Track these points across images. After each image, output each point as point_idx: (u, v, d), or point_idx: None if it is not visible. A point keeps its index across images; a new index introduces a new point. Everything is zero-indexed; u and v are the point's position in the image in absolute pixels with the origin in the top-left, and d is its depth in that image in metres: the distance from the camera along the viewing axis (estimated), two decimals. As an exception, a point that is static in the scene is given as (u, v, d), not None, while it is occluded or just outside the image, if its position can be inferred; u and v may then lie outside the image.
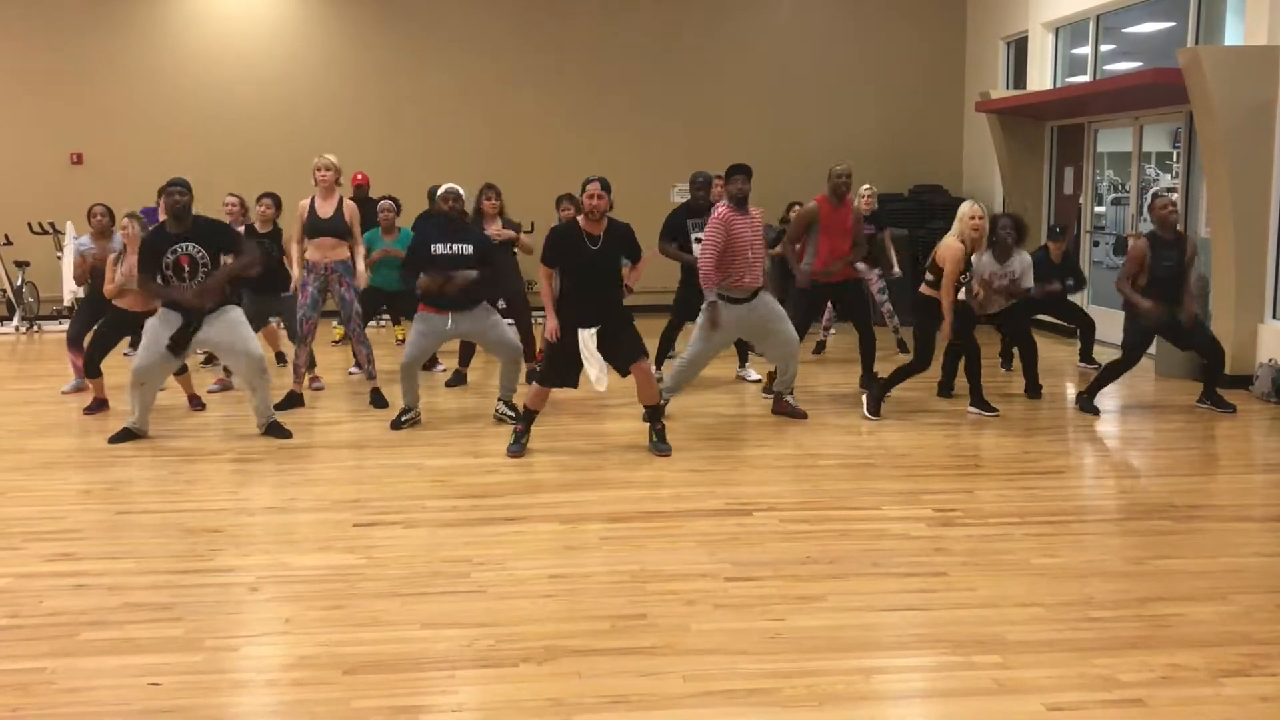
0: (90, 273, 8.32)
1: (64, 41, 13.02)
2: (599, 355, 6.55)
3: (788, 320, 7.46)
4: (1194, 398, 7.97)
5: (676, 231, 8.40)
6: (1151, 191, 11.18)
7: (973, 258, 7.57)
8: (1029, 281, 7.92)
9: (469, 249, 7.06)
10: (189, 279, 6.72)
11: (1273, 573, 4.67)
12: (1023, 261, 7.92)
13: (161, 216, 6.92)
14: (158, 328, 6.84)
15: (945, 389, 8.27)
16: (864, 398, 7.72)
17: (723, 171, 7.28)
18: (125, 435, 7.04)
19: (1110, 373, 7.76)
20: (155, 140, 13.03)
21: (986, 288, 7.76)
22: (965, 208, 7.44)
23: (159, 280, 6.74)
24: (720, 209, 7.08)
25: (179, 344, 6.81)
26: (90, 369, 7.83)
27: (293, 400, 7.94)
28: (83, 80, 13.09)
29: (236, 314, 6.97)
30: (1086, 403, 7.78)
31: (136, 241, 7.69)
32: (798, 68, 13.79)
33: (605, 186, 6.57)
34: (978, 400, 7.66)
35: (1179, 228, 7.69)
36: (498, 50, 13.46)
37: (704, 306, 7.16)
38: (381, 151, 12.96)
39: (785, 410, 7.67)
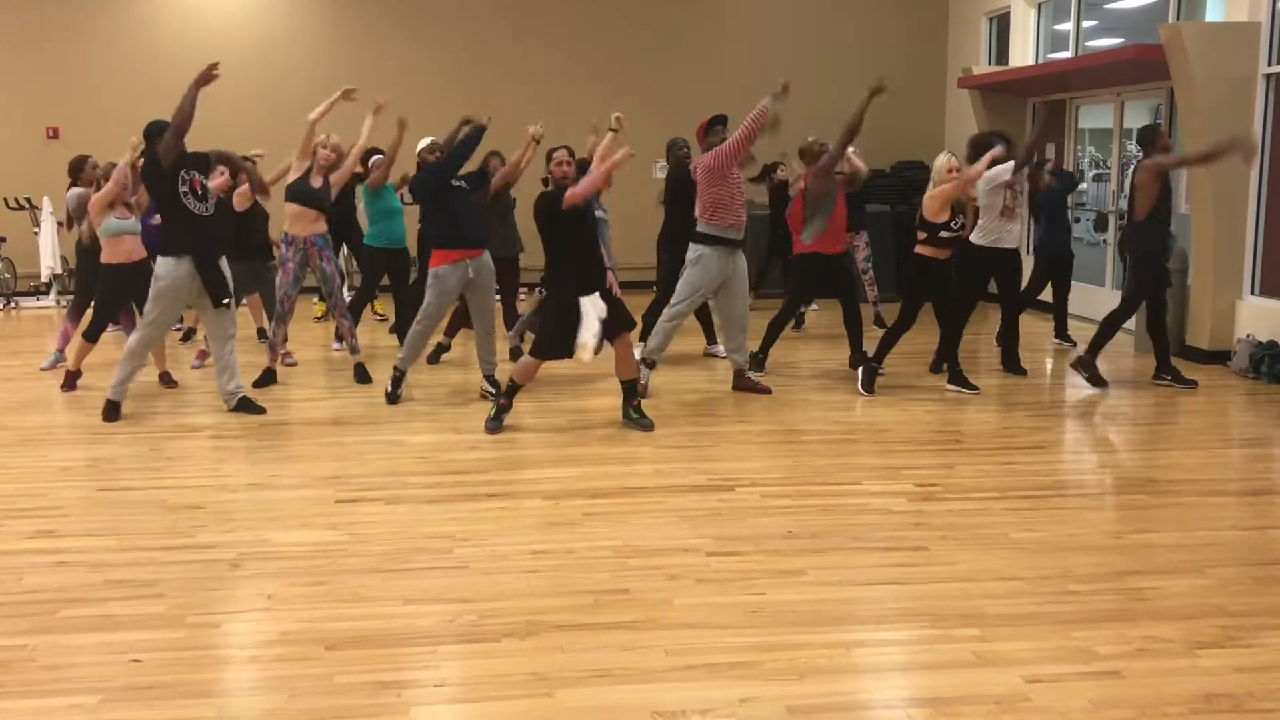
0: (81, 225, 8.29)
1: (40, 14, 12.86)
2: (592, 322, 6.46)
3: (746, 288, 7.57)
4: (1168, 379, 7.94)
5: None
6: (1131, 168, 11.23)
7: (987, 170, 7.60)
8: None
9: (465, 185, 7.27)
10: (205, 204, 6.70)
11: (1248, 546, 4.72)
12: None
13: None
14: (169, 288, 6.69)
15: (939, 365, 8.21)
16: (859, 371, 7.69)
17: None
18: (113, 410, 6.96)
19: (1107, 328, 7.73)
20: (132, 115, 12.70)
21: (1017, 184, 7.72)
22: (941, 160, 7.42)
23: (179, 207, 6.61)
24: (709, 156, 7.30)
25: (218, 288, 6.77)
26: (91, 333, 7.78)
27: (268, 377, 7.90)
28: (59, 54, 12.93)
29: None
30: (1093, 371, 7.70)
31: (124, 173, 7.53)
32: (781, 42, 13.73)
33: (571, 154, 6.69)
34: (956, 377, 7.64)
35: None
36: (480, 25, 13.36)
37: (697, 258, 7.33)
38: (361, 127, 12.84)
39: (747, 386, 7.66)
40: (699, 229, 7.35)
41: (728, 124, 7.41)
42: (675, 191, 8.47)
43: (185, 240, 6.66)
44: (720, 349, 8.93)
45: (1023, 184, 7.83)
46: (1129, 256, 7.79)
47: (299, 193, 7.74)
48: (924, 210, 7.41)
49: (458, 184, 7.18)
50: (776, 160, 10.26)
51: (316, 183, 7.77)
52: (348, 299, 8.75)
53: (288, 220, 7.82)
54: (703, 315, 8.74)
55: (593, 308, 6.44)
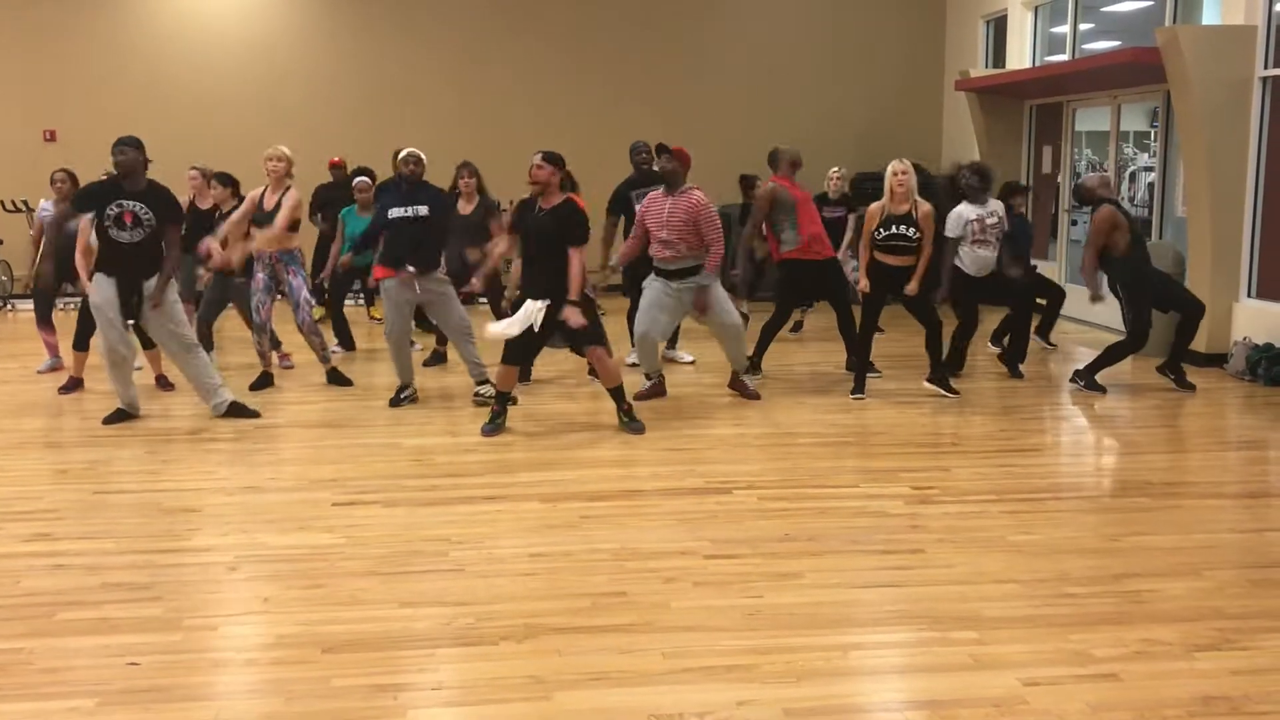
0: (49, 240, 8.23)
1: (39, 15, 12.86)
2: (519, 318, 6.45)
3: (725, 305, 7.38)
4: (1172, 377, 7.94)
5: (622, 204, 8.33)
6: (1129, 172, 11.26)
7: (959, 209, 7.72)
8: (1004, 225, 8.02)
9: (424, 210, 7.16)
10: (129, 233, 6.62)
11: (1245, 549, 4.72)
12: (998, 206, 7.97)
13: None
14: (101, 303, 6.68)
15: (955, 366, 8.19)
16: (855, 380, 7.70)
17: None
18: (119, 416, 6.97)
19: (1113, 354, 7.71)
20: (130, 117, 12.85)
21: (978, 234, 7.78)
22: (890, 165, 7.40)
23: (103, 235, 6.65)
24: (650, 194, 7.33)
25: (131, 311, 6.78)
26: (79, 341, 7.77)
27: (264, 381, 7.92)
28: (58, 55, 12.94)
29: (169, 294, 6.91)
30: (1090, 380, 7.71)
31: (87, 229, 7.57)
32: (778, 45, 13.75)
33: (550, 159, 6.48)
34: (938, 377, 7.62)
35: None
36: (480, 25, 13.38)
37: (645, 282, 7.32)
38: (360, 129, 12.86)
39: (738, 389, 7.65)
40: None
41: (680, 161, 7.20)
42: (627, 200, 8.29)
43: (111, 264, 6.72)
44: (676, 352, 8.86)
45: (989, 220, 7.86)
46: (1120, 291, 7.74)
47: (255, 219, 7.78)
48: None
49: (403, 213, 7.14)
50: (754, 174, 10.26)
51: (270, 203, 7.74)
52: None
53: (255, 240, 7.84)
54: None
55: (525, 312, 6.39)
